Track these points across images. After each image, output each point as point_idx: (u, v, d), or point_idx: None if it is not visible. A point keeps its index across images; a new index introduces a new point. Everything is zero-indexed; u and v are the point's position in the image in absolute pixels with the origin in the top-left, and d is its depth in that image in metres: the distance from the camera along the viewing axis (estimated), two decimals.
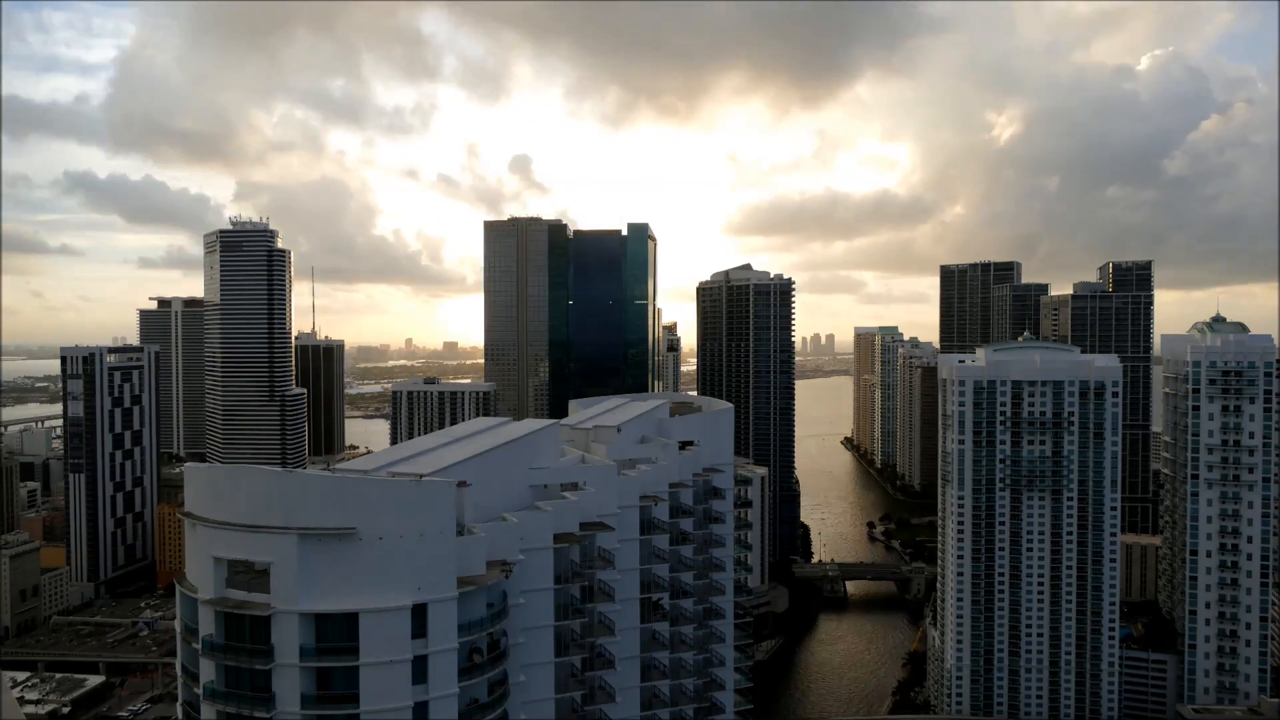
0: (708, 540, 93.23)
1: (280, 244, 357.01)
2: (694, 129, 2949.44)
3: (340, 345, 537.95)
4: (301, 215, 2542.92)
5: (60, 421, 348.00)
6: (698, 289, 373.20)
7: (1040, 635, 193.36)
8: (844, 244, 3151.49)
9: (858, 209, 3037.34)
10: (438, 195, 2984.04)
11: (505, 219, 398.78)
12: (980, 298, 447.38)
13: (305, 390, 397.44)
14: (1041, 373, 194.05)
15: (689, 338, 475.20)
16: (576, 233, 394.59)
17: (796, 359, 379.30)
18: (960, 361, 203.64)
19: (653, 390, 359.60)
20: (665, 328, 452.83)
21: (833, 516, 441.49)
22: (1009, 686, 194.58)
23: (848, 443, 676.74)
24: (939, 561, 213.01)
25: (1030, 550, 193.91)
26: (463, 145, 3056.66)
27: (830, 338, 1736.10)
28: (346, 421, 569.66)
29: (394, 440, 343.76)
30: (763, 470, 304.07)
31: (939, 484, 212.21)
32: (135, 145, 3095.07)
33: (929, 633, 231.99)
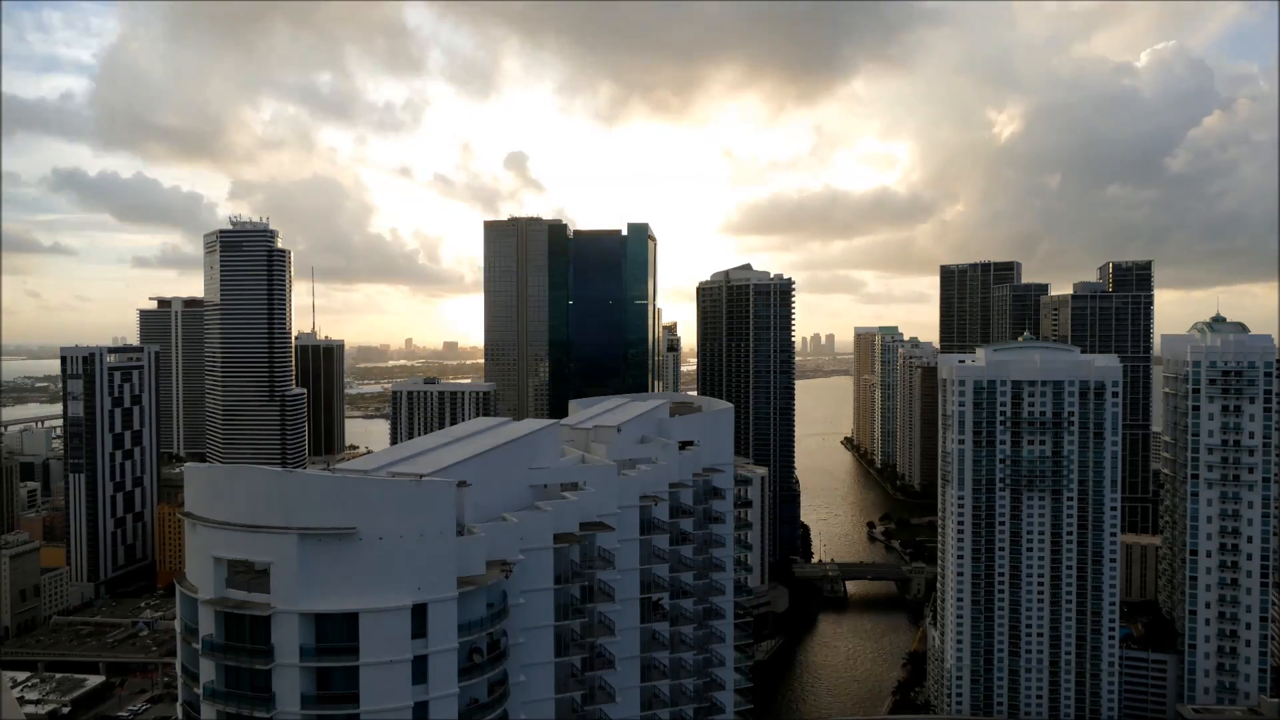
0: (708, 540, 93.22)
1: (280, 244, 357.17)
2: (688, 125, 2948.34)
3: (340, 345, 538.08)
4: (296, 214, 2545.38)
5: (60, 421, 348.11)
6: (698, 289, 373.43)
7: (1040, 635, 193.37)
8: (843, 243, 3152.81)
9: (856, 207, 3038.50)
10: (433, 194, 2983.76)
11: (505, 219, 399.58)
12: (980, 298, 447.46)
13: (305, 390, 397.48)
14: (1041, 373, 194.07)
15: (689, 338, 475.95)
16: (576, 233, 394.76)
17: (796, 359, 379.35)
18: (960, 361, 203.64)
19: (653, 390, 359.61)
20: (665, 328, 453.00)
21: (833, 516, 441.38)
22: (1009, 686, 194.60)
23: (848, 443, 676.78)
24: (939, 561, 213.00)
25: (1030, 550, 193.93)
26: (455, 142, 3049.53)
27: (830, 338, 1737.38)
28: (346, 421, 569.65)
29: (394, 440, 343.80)
30: (763, 470, 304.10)
31: (939, 484, 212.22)
32: (122, 142, 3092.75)
33: (929, 633, 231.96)
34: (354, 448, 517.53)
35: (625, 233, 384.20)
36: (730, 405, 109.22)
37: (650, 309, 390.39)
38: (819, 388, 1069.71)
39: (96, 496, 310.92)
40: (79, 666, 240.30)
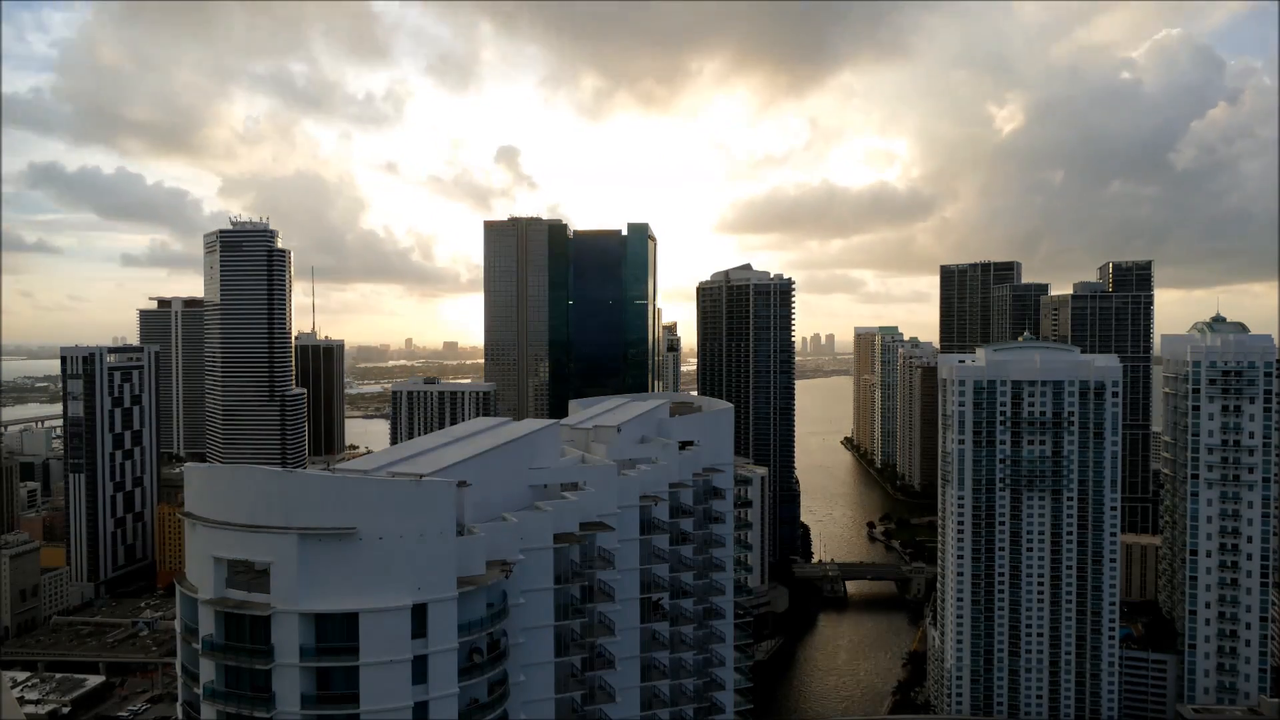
0: (708, 540, 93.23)
1: (280, 244, 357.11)
2: (677, 118, 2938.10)
3: (340, 345, 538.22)
4: (285, 211, 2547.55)
5: (60, 421, 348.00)
6: (698, 289, 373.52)
7: (1040, 635, 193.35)
8: (841, 242, 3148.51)
9: (855, 204, 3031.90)
10: (424, 190, 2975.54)
11: (505, 219, 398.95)
12: (980, 298, 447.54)
13: (305, 390, 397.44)
14: (1041, 373, 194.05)
15: (689, 338, 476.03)
16: (576, 233, 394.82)
17: (796, 359, 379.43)
18: (960, 361, 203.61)
19: (653, 390, 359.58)
20: (665, 328, 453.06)
21: (833, 516, 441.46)
22: (1009, 686, 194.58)
23: (848, 442, 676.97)
24: (939, 561, 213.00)
25: (1030, 550, 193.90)
26: (440, 136, 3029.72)
27: (830, 338, 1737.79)
28: (346, 421, 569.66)
29: (394, 440, 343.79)
30: (763, 470, 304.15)
31: (939, 484, 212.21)
32: (94, 136, 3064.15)
33: (929, 633, 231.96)
34: (354, 448, 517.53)
35: (625, 233, 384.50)
36: (730, 405, 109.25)
37: (650, 309, 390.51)
38: (819, 388, 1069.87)
39: (96, 496, 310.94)
40: (79, 666, 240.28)
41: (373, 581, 58.02)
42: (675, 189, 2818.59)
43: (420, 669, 58.96)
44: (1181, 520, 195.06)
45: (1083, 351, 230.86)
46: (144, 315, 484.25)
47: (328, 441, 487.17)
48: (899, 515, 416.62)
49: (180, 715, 63.98)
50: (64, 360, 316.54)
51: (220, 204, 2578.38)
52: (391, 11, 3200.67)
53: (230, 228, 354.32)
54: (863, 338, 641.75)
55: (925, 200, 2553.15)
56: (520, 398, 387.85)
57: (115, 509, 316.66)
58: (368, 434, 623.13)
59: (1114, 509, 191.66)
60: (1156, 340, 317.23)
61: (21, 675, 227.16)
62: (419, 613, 58.82)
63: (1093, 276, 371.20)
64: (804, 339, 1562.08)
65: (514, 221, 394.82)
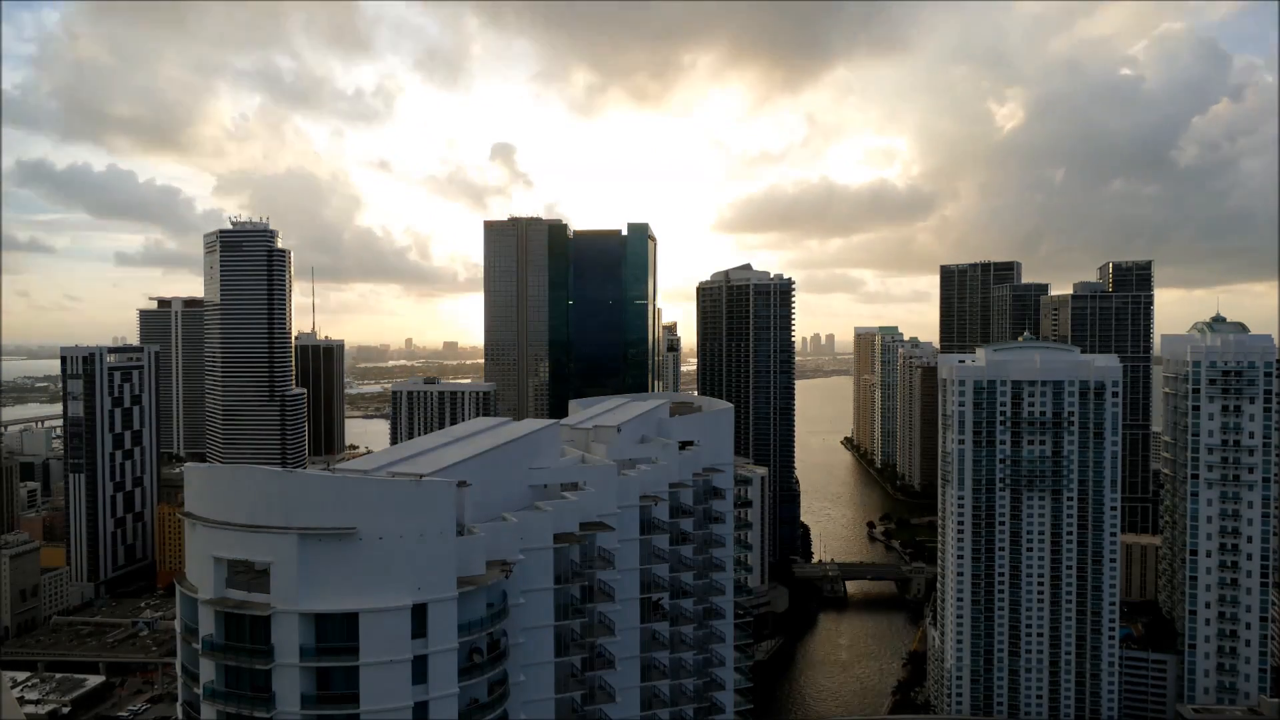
0: (708, 540, 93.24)
1: (280, 244, 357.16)
2: (671, 114, 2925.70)
3: (340, 345, 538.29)
4: (279, 209, 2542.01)
5: (60, 421, 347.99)
6: (698, 289, 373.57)
7: (1040, 635, 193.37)
8: (841, 241, 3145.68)
9: (854, 202, 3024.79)
10: (420, 189, 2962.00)
11: (505, 219, 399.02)
12: (980, 298, 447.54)
13: (305, 390, 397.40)
14: (1041, 373, 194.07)
15: (689, 338, 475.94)
16: (576, 233, 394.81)
17: (796, 359, 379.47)
18: (960, 361, 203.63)
19: (653, 390, 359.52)
20: (665, 328, 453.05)
21: (832, 517, 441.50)
22: (1009, 686, 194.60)
23: (848, 442, 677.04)
24: (939, 561, 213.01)
25: (1030, 550, 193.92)
26: (434, 134, 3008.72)
27: (830, 338, 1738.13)
28: (346, 421, 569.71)
29: (394, 440, 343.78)
30: (763, 470, 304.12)
31: (939, 484, 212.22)
32: (81, 133, 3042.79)
33: (929, 633, 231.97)
34: (354, 448, 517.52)
35: (625, 233, 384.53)
36: (730, 405, 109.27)
37: (650, 309, 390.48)
38: (819, 388, 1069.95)
39: (96, 496, 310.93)
40: (79, 666, 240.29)
41: (373, 581, 58.00)
42: (672, 187, 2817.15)
43: (420, 669, 58.94)
44: (1181, 520, 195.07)
45: (1083, 351, 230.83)
46: (144, 315, 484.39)
47: (328, 441, 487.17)
48: (899, 515, 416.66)
49: (180, 715, 63.97)
50: (64, 360, 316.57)
51: (214, 202, 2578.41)
52: (371, 3, 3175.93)
53: (230, 228, 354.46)
54: (863, 338, 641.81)
55: (925, 198, 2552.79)
56: (520, 398, 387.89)
57: (115, 509, 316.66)
58: (368, 434, 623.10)
59: (1114, 509, 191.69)
60: (1156, 340, 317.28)
61: (21, 675, 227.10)
62: (419, 613, 58.79)
63: (1093, 276, 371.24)
64: (804, 339, 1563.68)
65: (514, 221, 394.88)
